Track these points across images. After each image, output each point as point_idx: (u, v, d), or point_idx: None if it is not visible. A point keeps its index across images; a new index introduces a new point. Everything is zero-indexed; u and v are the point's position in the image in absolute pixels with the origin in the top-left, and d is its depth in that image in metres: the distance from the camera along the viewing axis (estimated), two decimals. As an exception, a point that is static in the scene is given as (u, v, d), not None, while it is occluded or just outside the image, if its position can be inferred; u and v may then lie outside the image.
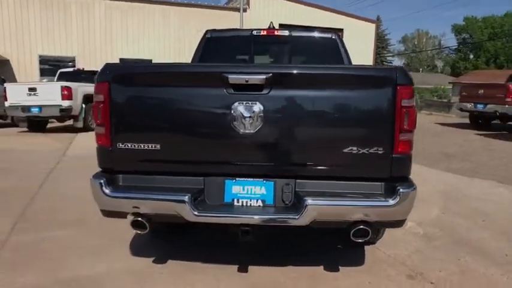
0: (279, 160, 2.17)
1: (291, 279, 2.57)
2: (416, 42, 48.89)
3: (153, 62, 18.26)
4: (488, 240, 3.25)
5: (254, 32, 3.90)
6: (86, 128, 10.53)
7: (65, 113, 10.09)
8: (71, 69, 13.07)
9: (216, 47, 3.92)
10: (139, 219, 2.16)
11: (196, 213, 2.07)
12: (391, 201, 2.04)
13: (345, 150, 2.08)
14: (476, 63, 36.59)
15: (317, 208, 2.04)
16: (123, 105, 2.16)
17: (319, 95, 2.08)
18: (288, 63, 3.90)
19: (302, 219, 2.04)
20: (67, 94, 10.12)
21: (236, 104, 2.06)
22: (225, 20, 18.95)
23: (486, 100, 10.89)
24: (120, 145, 2.17)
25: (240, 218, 2.12)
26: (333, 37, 3.87)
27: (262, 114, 2.05)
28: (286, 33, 3.87)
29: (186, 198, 2.07)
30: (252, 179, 2.21)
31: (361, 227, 2.08)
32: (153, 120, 2.17)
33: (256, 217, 2.11)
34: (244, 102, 2.05)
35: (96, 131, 2.26)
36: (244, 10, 18.84)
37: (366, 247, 3.05)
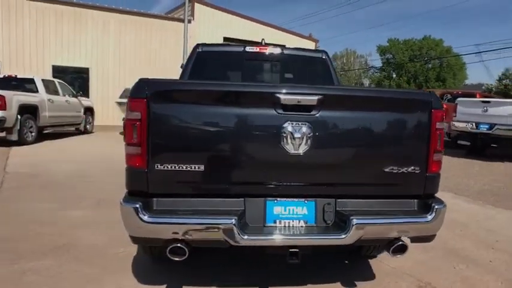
0: (321, 180, 2.18)
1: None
2: (345, 61, 52.32)
3: (90, 70, 17.28)
4: (470, 248, 3.57)
5: (247, 48, 3.90)
6: (21, 142, 9.54)
7: (-2, 125, 9.06)
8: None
9: (208, 62, 3.85)
10: (179, 245, 2.02)
11: (246, 237, 2.00)
12: (429, 217, 2.16)
13: (385, 170, 2.16)
14: (399, 82, 40.23)
15: (363, 227, 2.08)
16: (163, 123, 2.02)
17: (364, 117, 2.15)
18: (280, 81, 3.96)
19: (349, 239, 2.07)
20: (0, 104, 9.11)
21: (286, 124, 2.04)
22: (168, 31, 18.61)
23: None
24: (159, 166, 2.02)
25: (291, 240, 2.08)
26: (324, 57, 4.01)
27: (310, 135, 2.05)
28: (278, 50, 3.93)
29: (233, 221, 1.99)
30: (292, 199, 2.19)
31: (401, 243, 2.17)
32: (196, 140, 2.05)
33: (305, 238, 2.10)
34: (294, 123, 2.04)
35: (127, 151, 2.08)
36: (189, 21, 18.65)
37: (370, 261, 3.18)
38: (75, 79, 16.82)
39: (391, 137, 2.19)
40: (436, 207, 2.19)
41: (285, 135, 2.04)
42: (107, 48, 17.53)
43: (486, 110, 8.97)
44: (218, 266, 3.00)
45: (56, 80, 12.13)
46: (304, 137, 2.04)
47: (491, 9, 72.24)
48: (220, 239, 2.02)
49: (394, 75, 43.19)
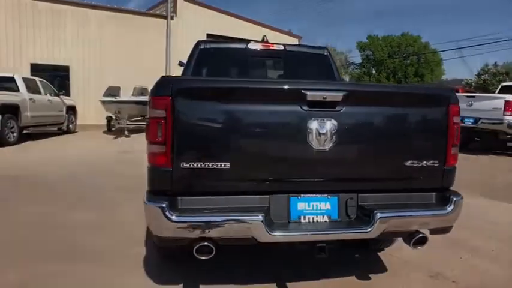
0: (344, 175, 2.20)
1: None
2: (325, 57, 52.82)
3: (70, 68, 16.84)
4: (470, 237, 3.68)
5: (250, 45, 3.89)
6: (2, 143, 9.22)
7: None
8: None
9: (211, 59, 3.82)
10: (206, 243, 2.01)
11: (275, 233, 2.01)
12: (448, 209, 2.22)
13: (406, 164, 2.21)
14: (379, 78, 40.97)
15: (386, 220, 2.12)
16: (188, 121, 2.00)
17: (385, 112, 2.19)
18: (283, 78, 3.97)
19: (373, 232, 2.10)
20: (-19, 104, 8.80)
21: (311, 120, 2.05)
22: (150, 27, 18.31)
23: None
24: (184, 165, 2.00)
25: (319, 235, 2.10)
26: (325, 53, 4.05)
27: (335, 131, 2.07)
28: (281, 47, 3.93)
29: (260, 218, 1.99)
30: (316, 195, 2.21)
31: (421, 235, 2.22)
32: (221, 137, 2.04)
33: (332, 233, 2.12)
34: (319, 119, 2.06)
35: (151, 150, 2.05)
36: (172, 18, 18.42)
37: (379, 254, 3.23)
38: (55, 77, 16.35)
39: (411, 132, 2.24)
40: (455, 199, 2.25)
41: (310, 131, 2.05)
42: (87, 45, 17.11)
43: (471, 105, 9.22)
44: (232, 264, 2.98)
45: (37, 79, 11.75)
46: (329, 133, 2.06)
47: (467, 7, 74.33)
48: (247, 236, 2.02)
49: (374, 71, 43.91)
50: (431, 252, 3.28)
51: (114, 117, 13.16)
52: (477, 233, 3.83)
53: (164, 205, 1.96)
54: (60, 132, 12.81)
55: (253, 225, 1.99)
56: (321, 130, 2.05)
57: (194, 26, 19.17)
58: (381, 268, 2.98)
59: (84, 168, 6.80)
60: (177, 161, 1.99)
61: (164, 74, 17.82)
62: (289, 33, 21.71)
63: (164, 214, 1.95)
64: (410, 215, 2.18)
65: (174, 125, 1.97)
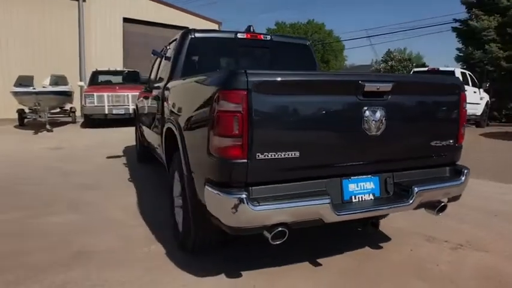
0: (386, 156, 2.47)
1: (359, 261, 2.90)
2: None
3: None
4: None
5: (239, 35, 3.93)
6: None
7: None
8: None
9: (202, 49, 3.78)
10: (282, 228, 2.12)
11: (340, 213, 2.20)
12: (462, 179, 2.65)
13: (432, 143, 2.57)
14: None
15: (422, 193, 2.45)
16: (262, 113, 2.05)
17: (418, 100, 2.52)
18: (270, 67, 4.09)
19: (413, 204, 2.42)
20: None
21: (365, 109, 2.27)
22: (64, 10, 16.52)
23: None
24: (259, 156, 2.06)
25: (373, 212, 2.35)
26: (307, 44, 4.27)
27: (384, 118, 2.32)
28: (268, 37, 4.04)
29: (329, 200, 2.17)
30: (362, 177, 2.44)
31: (443, 204, 2.61)
32: (291, 127, 2.14)
33: (384, 208, 2.39)
34: (372, 107, 2.28)
35: (223, 144, 2.05)
36: (84, 0, 16.87)
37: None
38: None
39: (436, 116, 2.60)
40: (465, 171, 2.68)
41: (366, 118, 2.27)
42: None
43: None
44: (255, 250, 3.09)
45: None
46: (380, 120, 2.31)
47: None
48: (316, 218, 2.18)
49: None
50: (417, 220, 3.77)
51: (29, 110, 11.81)
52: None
53: (244, 196, 2.01)
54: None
55: (322, 208, 2.16)
56: (374, 117, 2.29)
57: (109, 9, 17.85)
58: (384, 238, 3.36)
59: (22, 169, 6.10)
60: (252, 152, 2.04)
61: (78, 62, 16.41)
62: (209, 19, 21.47)
63: (246, 205, 2.00)
64: (439, 187, 2.56)
65: (250, 118, 2.01)
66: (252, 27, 4.11)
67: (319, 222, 2.21)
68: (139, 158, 6.48)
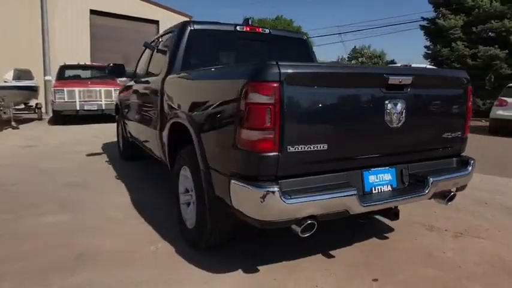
0: (403, 148, 2.53)
1: (369, 252, 2.95)
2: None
3: None
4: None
5: (238, 28, 3.87)
6: None
7: None
8: None
9: (200, 40, 3.68)
10: (311, 221, 2.11)
11: (365, 204, 2.23)
12: (469, 169, 2.75)
13: (443, 135, 2.65)
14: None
15: (437, 183, 2.52)
16: (294, 106, 2.03)
17: (433, 92, 2.59)
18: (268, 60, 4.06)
19: (428, 194, 2.50)
20: None
21: (388, 101, 2.30)
22: (24, 3, 15.62)
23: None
24: (290, 149, 2.04)
25: (394, 202, 2.40)
26: (304, 38, 4.28)
27: (404, 110, 2.37)
28: (267, 31, 4.01)
29: (355, 192, 2.19)
30: (380, 168, 2.48)
31: (453, 193, 2.70)
32: (321, 120, 2.14)
33: (403, 198, 2.43)
34: (394, 100, 2.32)
35: (254, 137, 2.01)
36: (47, -10, 16.00)
37: (376, 217, 3.71)
38: None
39: (448, 108, 2.69)
40: (472, 161, 2.79)
41: (388, 111, 2.31)
42: None
43: None
44: (266, 244, 3.07)
45: None
46: (400, 112, 2.35)
47: None
48: (342, 210, 2.20)
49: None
50: (412, 210, 3.88)
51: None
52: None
53: (277, 189, 1.99)
54: None
55: (350, 200, 2.17)
56: (395, 110, 2.33)
57: (75, 0, 17.08)
58: (388, 228, 3.44)
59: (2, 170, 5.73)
60: (284, 145, 2.02)
61: (42, 55, 15.62)
62: (180, 13, 21.05)
63: (278, 198, 1.98)
64: (451, 177, 2.65)
65: (282, 110, 1.99)
66: (250, 20, 4.06)
67: (344, 214, 2.22)
68: (123, 155, 6.27)
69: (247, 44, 3.98)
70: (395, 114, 2.33)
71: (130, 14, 18.47)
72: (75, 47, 16.92)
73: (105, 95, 11.23)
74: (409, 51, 79.13)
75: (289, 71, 2.00)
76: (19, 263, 2.71)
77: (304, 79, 2.07)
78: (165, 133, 3.29)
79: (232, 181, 2.13)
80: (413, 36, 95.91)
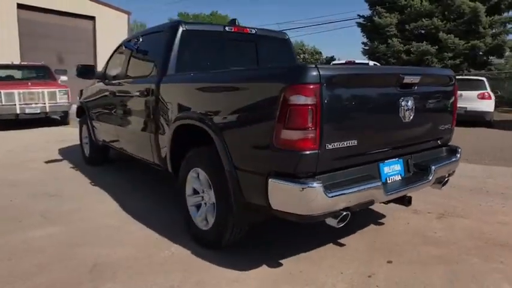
0: (410, 141, 2.80)
1: (373, 237, 3.21)
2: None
3: None
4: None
5: (227, 28, 3.91)
6: None
7: None
8: None
9: (192, 41, 3.67)
10: (346, 213, 2.28)
11: (388, 193, 2.46)
12: (458, 157, 3.12)
13: (438, 128, 2.98)
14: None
15: (438, 170, 2.83)
16: (332, 106, 2.17)
17: (432, 89, 2.90)
18: (255, 60, 4.15)
19: (431, 181, 2.80)
20: None
21: (401, 98, 2.54)
22: None
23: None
24: (328, 146, 2.18)
25: (407, 190, 2.66)
26: (287, 37, 4.44)
27: (413, 106, 2.63)
28: (253, 31, 4.09)
29: (380, 183, 2.40)
30: (391, 160, 2.71)
31: (447, 178, 3.04)
32: (353, 118, 2.33)
33: (414, 186, 2.69)
34: (406, 98, 2.57)
35: (294, 137, 2.11)
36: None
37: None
38: None
39: (442, 103, 3.02)
40: (459, 149, 3.16)
41: (402, 107, 2.55)
42: None
43: None
44: (277, 238, 3.18)
45: None
46: (412, 108, 2.61)
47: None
48: (370, 200, 2.40)
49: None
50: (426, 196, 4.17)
51: None
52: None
53: (321, 185, 2.11)
54: None
55: (376, 190, 2.38)
56: (407, 106, 2.58)
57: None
58: (380, 215, 3.74)
59: None
60: (323, 143, 2.15)
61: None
62: (118, 9, 20.12)
63: (322, 193, 2.11)
64: (447, 164, 2.98)
65: (322, 110, 2.11)
66: (236, 21, 4.11)
67: (370, 204, 2.44)
68: (89, 161, 5.95)
69: (235, 44, 4.03)
70: (408, 111, 2.58)
71: (63, 9, 17.27)
72: (1, 45, 15.45)
73: (49, 97, 10.45)
74: (346, 47, 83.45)
75: (328, 73, 2.14)
76: (28, 282, 2.54)
77: (340, 80, 2.22)
78: (168, 136, 3.25)
79: (271, 179, 2.22)
80: (349, 32, 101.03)
